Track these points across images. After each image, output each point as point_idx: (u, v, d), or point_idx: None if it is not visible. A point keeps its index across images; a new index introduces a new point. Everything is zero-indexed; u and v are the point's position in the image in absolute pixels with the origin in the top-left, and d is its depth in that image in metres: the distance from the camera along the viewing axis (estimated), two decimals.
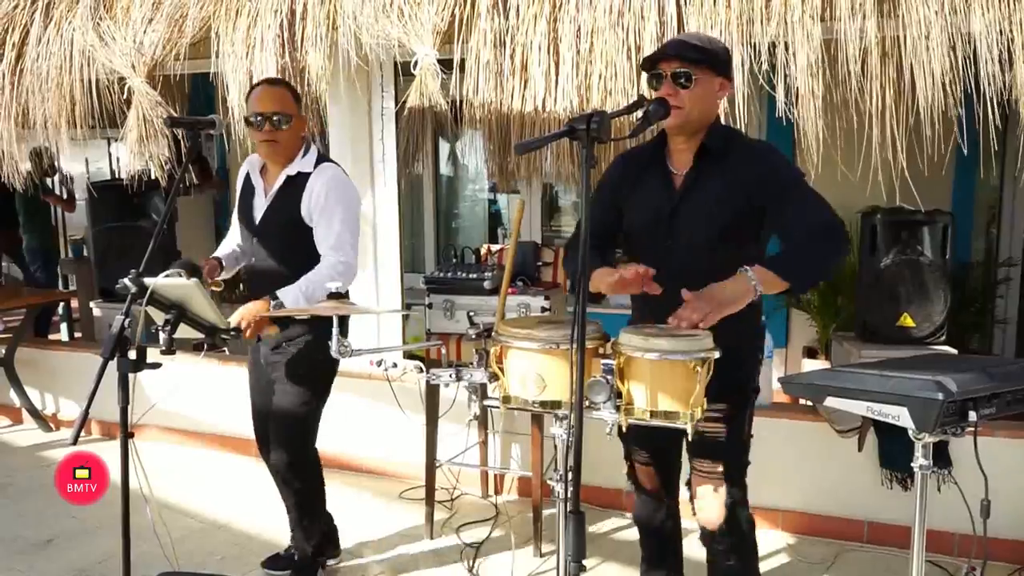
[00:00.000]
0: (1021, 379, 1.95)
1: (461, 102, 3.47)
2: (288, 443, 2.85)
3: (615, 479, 2.67)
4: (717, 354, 1.86)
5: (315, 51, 3.49)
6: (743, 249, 2.09)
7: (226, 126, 3.37)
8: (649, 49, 2.95)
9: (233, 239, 3.01)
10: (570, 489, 1.66)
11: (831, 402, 2.03)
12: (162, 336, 2.32)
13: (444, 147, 6.50)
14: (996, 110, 2.73)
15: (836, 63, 2.91)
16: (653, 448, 2.35)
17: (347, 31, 3.41)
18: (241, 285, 3.62)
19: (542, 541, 3.26)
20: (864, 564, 3.19)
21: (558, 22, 3.24)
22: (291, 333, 2.75)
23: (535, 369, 1.91)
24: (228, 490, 3.92)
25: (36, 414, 4.81)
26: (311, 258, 2.70)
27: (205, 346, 2.97)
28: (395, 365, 2.23)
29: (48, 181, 6.62)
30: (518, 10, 3.29)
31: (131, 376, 2.19)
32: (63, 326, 6.56)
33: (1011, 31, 2.72)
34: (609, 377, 1.83)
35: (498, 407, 2.02)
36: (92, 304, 5.23)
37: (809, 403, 3.33)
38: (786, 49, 2.93)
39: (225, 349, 4.41)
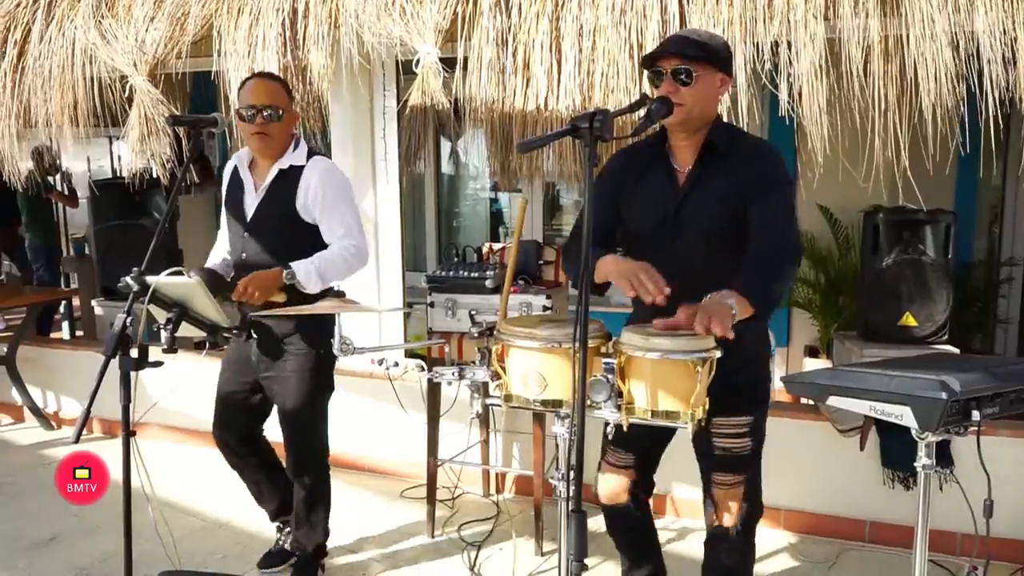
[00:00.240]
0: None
1: (463, 101, 3.46)
2: (295, 443, 2.86)
3: None
4: (718, 354, 1.86)
5: (317, 49, 3.48)
6: (744, 246, 2.09)
7: (228, 125, 3.37)
8: (651, 47, 2.94)
9: (222, 245, 2.96)
10: (572, 488, 1.66)
11: (834, 401, 2.02)
12: (164, 334, 2.32)
13: (446, 146, 6.49)
14: (999, 109, 2.73)
15: (839, 62, 2.91)
16: (640, 450, 2.29)
17: (349, 29, 3.41)
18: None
19: (543, 540, 3.26)
20: (865, 563, 3.18)
21: (560, 20, 3.24)
22: (285, 330, 2.75)
23: (536, 368, 1.91)
24: (229, 489, 3.88)
25: (38, 412, 4.82)
26: (304, 253, 2.69)
27: (207, 345, 2.97)
28: (396, 364, 2.23)
29: (50, 179, 6.64)
30: (520, 8, 3.28)
31: (133, 374, 2.19)
32: (65, 324, 6.57)
33: (1014, 30, 2.71)
34: (610, 376, 1.83)
35: (500, 406, 2.01)
36: (94, 302, 5.23)
37: (811, 402, 3.33)
38: (789, 48, 2.93)
39: (227, 348, 4.41)
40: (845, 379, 2.02)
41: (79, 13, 3.96)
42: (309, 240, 2.73)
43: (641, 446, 2.28)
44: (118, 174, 6.82)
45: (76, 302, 6.22)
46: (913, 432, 1.93)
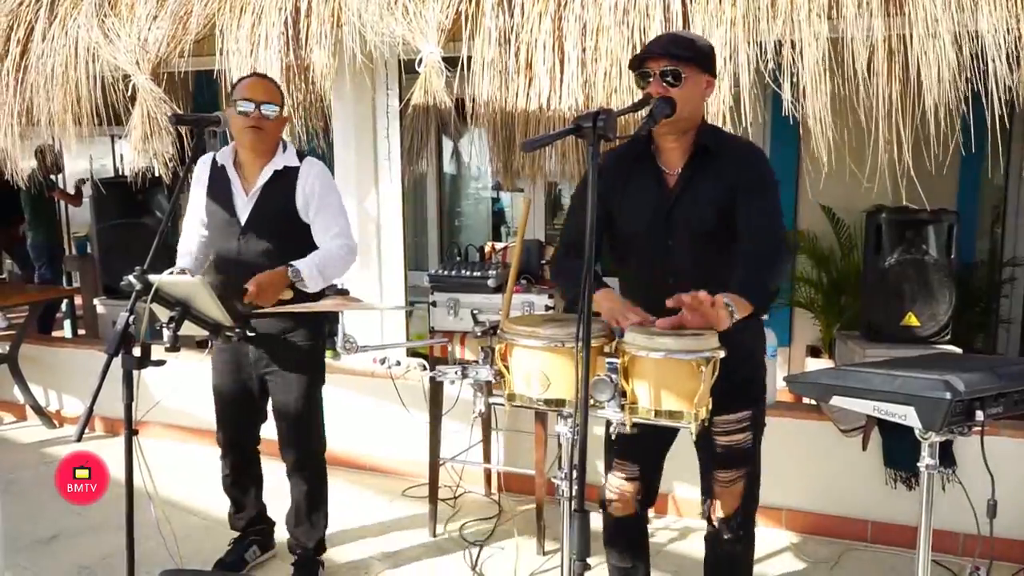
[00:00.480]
0: None
1: (465, 100, 3.46)
2: (301, 438, 2.87)
3: None
4: (722, 353, 1.86)
5: (319, 49, 3.49)
6: (732, 246, 2.09)
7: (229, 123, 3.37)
8: None
9: (192, 240, 2.90)
10: (575, 487, 1.66)
11: (838, 401, 2.02)
12: (166, 333, 2.32)
13: (448, 145, 6.50)
14: (1003, 108, 2.72)
15: (842, 61, 2.90)
16: (644, 461, 2.28)
17: (352, 28, 3.41)
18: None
19: (545, 539, 3.26)
20: (867, 563, 3.18)
21: (563, 20, 3.24)
22: (285, 326, 2.76)
23: (539, 367, 1.91)
24: None
25: (40, 411, 4.82)
26: (300, 250, 2.71)
27: (209, 343, 2.97)
28: (399, 363, 2.23)
29: (52, 177, 6.64)
30: (523, 8, 3.28)
31: (135, 373, 2.19)
32: (67, 323, 6.57)
33: (1018, 29, 2.71)
34: (614, 376, 1.83)
35: (503, 405, 2.01)
36: (96, 301, 5.23)
37: (813, 402, 3.32)
38: (792, 47, 2.93)
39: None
40: (849, 379, 2.02)
41: (82, 12, 3.96)
42: (304, 238, 2.76)
43: (646, 455, 2.28)
44: (120, 173, 6.84)
45: (78, 301, 6.23)
46: (917, 432, 1.93)
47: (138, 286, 2.20)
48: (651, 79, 2.06)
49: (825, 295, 4.91)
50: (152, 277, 2.23)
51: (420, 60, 3.40)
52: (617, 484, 2.29)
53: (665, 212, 2.14)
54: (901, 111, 2.87)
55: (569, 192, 6.49)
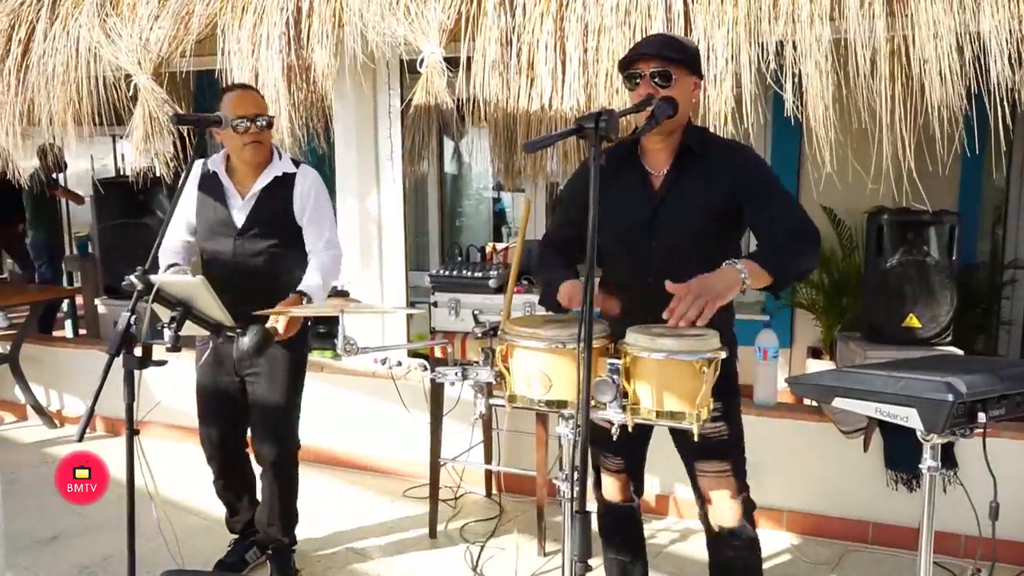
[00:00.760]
0: None
1: (467, 100, 3.46)
2: (281, 438, 2.89)
3: None
4: (724, 354, 1.86)
5: (321, 49, 3.49)
6: (722, 248, 2.08)
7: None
8: None
9: (177, 240, 2.89)
10: (576, 489, 1.65)
11: (840, 403, 2.02)
12: (168, 333, 2.32)
13: (449, 145, 6.49)
14: (1006, 110, 2.72)
15: (844, 63, 2.90)
16: (627, 452, 2.32)
17: (353, 29, 3.41)
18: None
19: (546, 540, 3.26)
20: (868, 565, 3.18)
21: (565, 20, 3.23)
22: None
23: (541, 368, 1.91)
24: None
25: (41, 411, 4.82)
26: (294, 253, 2.80)
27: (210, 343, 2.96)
28: (400, 363, 2.23)
29: (54, 176, 6.64)
30: (525, 8, 3.28)
31: (136, 373, 2.19)
32: (67, 323, 6.57)
33: (1020, 30, 2.70)
34: (615, 377, 1.83)
35: (504, 406, 2.01)
36: (97, 301, 5.24)
37: (814, 403, 3.32)
38: (794, 48, 2.92)
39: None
40: (851, 381, 2.01)
41: (83, 11, 3.96)
42: (296, 240, 2.83)
43: (628, 446, 2.26)
44: (122, 173, 6.84)
45: (79, 300, 6.23)
46: (918, 434, 1.93)
47: (139, 286, 2.20)
48: (640, 80, 2.06)
49: (826, 296, 4.91)
50: (153, 277, 2.23)
51: (421, 60, 3.40)
52: (605, 476, 2.37)
53: (650, 213, 2.15)
54: (903, 112, 2.86)
55: None
